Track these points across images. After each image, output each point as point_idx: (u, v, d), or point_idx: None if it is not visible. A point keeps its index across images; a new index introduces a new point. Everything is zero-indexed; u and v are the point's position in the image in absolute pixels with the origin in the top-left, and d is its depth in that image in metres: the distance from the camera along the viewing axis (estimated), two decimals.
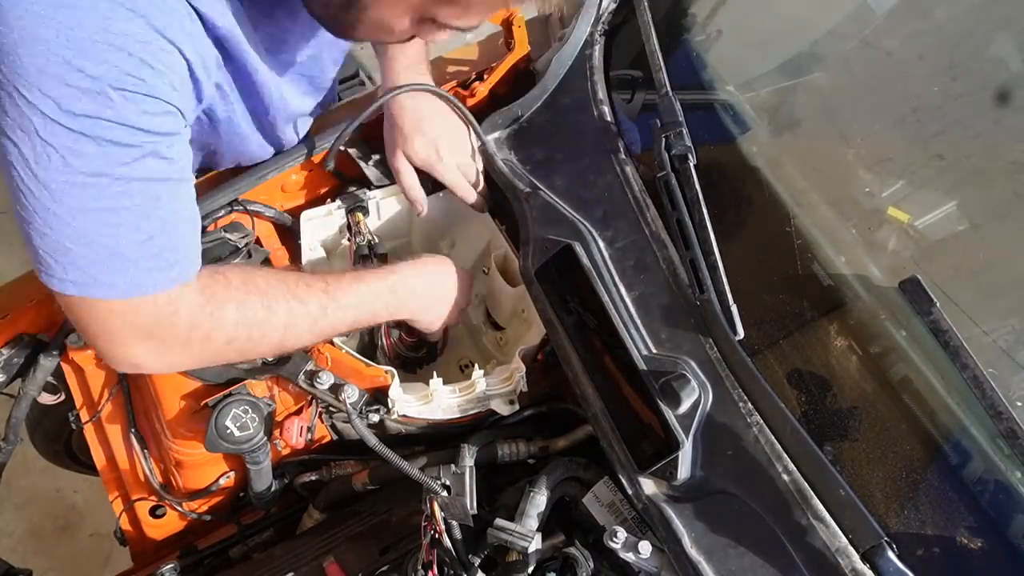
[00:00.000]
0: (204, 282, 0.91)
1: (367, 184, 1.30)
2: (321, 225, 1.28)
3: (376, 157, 1.27)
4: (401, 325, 1.26)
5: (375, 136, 1.28)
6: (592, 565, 1.00)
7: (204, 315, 0.91)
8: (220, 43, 0.87)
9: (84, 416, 1.20)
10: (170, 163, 0.83)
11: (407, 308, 1.12)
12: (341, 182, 1.32)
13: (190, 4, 0.79)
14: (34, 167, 0.76)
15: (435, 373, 1.16)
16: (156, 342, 0.89)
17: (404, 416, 1.13)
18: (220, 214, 1.20)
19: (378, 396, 1.12)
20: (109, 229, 0.80)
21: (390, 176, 1.27)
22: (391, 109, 1.20)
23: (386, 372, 1.11)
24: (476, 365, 1.18)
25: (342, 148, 1.24)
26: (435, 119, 1.20)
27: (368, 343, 1.28)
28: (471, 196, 1.25)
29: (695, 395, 0.96)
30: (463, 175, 1.23)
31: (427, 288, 1.14)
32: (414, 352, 1.28)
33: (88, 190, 0.78)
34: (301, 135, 1.24)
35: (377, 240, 1.26)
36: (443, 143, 1.20)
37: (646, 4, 1.21)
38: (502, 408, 1.15)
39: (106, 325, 0.86)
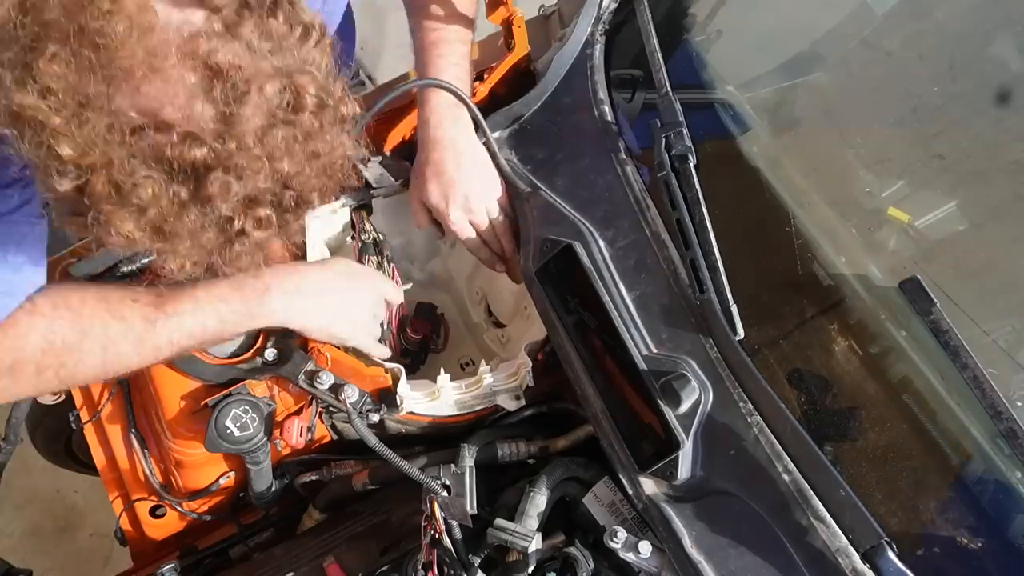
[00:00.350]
0: (7, 319, 0.85)
1: (368, 183, 1.30)
2: (326, 223, 1.28)
3: (377, 159, 1.26)
4: (406, 322, 1.26)
5: (377, 137, 1.28)
6: (592, 565, 1.00)
7: (3, 349, 0.85)
8: None
9: (84, 416, 1.20)
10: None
11: (269, 314, 1.00)
12: None
13: None
14: None
15: (442, 370, 1.16)
16: None
17: (410, 414, 1.13)
18: None
19: (383, 395, 1.12)
20: None
21: (390, 178, 1.26)
22: (426, 142, 1.14)
23: (388, 371, 1.11)
24: (483, 362, 1.18)
25: None
26: (463, 170, 1.13)
27: None
28: (481, 253, 1.21)
29: (695, 395, 0.96)
30: (473, 229, 1.17)
31: (304, 292, 1.02)
32: (416, 350, 1.28)
33: None
34: None
35: (383, 238, 1.26)
36: (457, 193, 1.13)
37: (646, 4, 1.21)
38: (508, 404, 1.15)
39: None
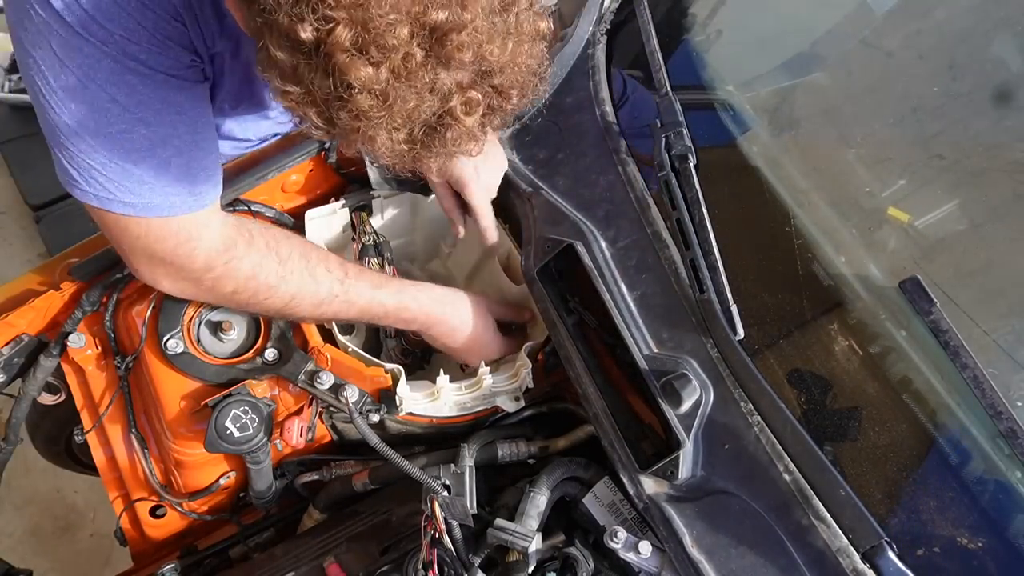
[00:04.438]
0: (229, 231, 0.97)
1: (368, 184, 1.30)
2: (325, 224, 1.28)
3: None
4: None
5: None
6: (592, 565, 1.00)
7: (219, 262, 0.96)
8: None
9: (87, 424, 1.20)
10: (188, 94, 0.86)
11: (406, 326, 1.15)
12: (342, 182, 1.32)
13: None
14: (54, 84, 0.78)
15: (441, 371, 1.16)
16: (172, 269, 0.96)
17: (410, 415, 1.13)
18: None
19: (383, 396, 1.12)
20: (125, 152, 0.83)
21: (392, 177, 1.26)
22: None
23: (388, 371, 1.11)
24: (483, 363, 1.18)
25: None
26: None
27: (372, 340, 1.28)
28: (491, 230, 1.22)
29: (696, 394, 0.96)
30: (489, 195, 1.20)
31: (439, 319, 1.14)
32: (418, 351, 1.28)
33: (105, 114, 0.80)
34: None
35: (383, 239, 1.26)
36: (482, 163, 1.16)
37: (646, 4, 1.21)
38: (508, 405, 1.15)
39: (127, 240, 0.92)
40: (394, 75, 0.66)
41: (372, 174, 1.25)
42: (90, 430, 1.19)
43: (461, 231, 1.23)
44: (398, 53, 0.65)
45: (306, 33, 0.64)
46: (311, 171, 1.28)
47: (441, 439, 1.19)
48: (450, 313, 1.14)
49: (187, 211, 0.90)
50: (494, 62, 0.70)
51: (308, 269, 1.02)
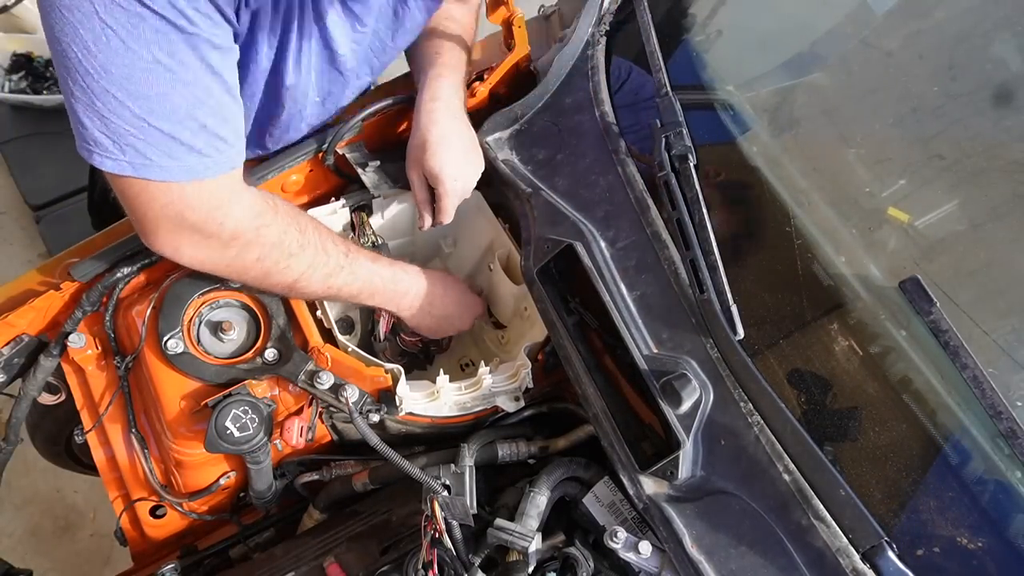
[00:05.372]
0: (257, 201, 1.01)
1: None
2: (325, 224, 1.28)
3: (375, 163, 1.26)
4: (401, 325, 1.26)
5: (376, 139, 1.28)
6: (592, 565, 1.00)
7: (250, 228, 0.99)
8: None
9: (87, 424, 1.20)
10: (223, 55, 0.88)
11: (399, 305, 1.19)
12: (341, 182, 1.32)
13: None
14: (93, 48, 0.79)
15: (441, 371, 1.16)
16: (200, 236, 0.97)
17: (410, 415, 1.13)
18: None
19: (383, 396, 1.12)
20: (164, 114, 0.84)
21: (387, 183, 1.26)
22: (421, 120, 1.18)
23: (387, 372, 1.11)
24: (483, 363, 1.18)
25: (339, 151, 1.24)
26: (458, 138, 1.19)
27: (368, 340, 1.28)
28: (446, 223, 1.24)
29: (696, 395, 0.96)
30: (460, 196, 1.21)
31: (428, 298, 1.21)
32: (414, 352, 1.28)
33: (147, 75, 0.81)
34: (324, 113, 1.23)
35: (382, 240, 1.26)
36: (461, 162, 1.19)
37: (646, 4, 1.21)
38: (507, 405, 1.15)
39: (154, 208, 0.92)
40: None
41: (367, 180, 1.25)
42: (90, 430, 1.19)
43: (427, 224, 1.24)
44: None
45: None
46: (311, 171, 1.28)
47: (441, 439, 1.19)
48: (438, 282, 1.23)
49: (222, 171, 0.93)
50: None
51: (320, 241, 1.07)
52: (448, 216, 1.21)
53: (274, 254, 1.03)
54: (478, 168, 1.21)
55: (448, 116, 1.18)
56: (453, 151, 1.17)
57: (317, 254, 1.07)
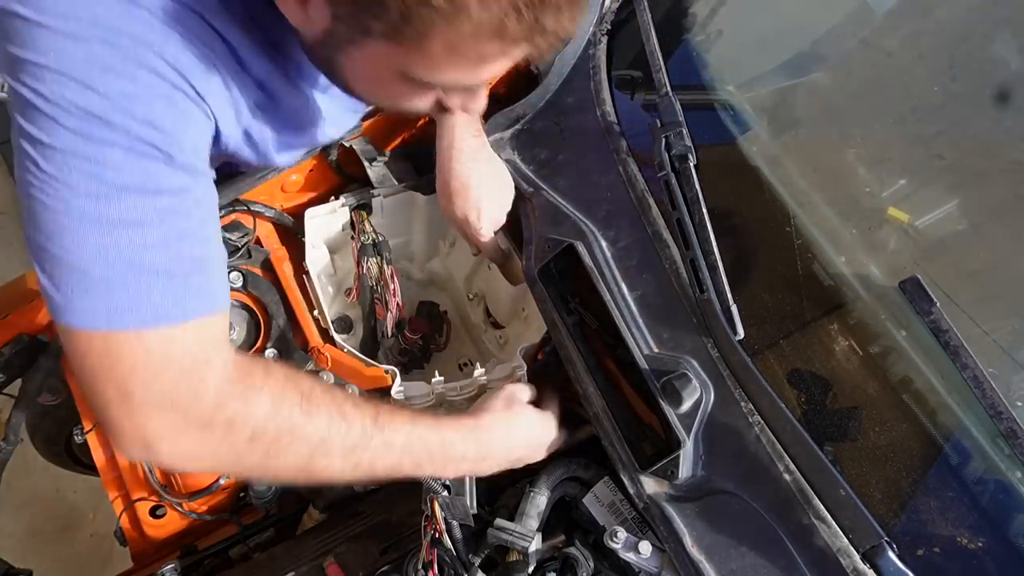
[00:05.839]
0: (242, 364, 0.81)
1: (368, 183, 1.30)
2: (325, 223, 1.28)
3: (383, 158, 1.26)
4: (403, 324, 1.26)
5: (380, 137, 1.28)
6: (592, 565, 1.00)
7: (233, 394, 0.78)
8: (261, 85, 0.84)
9: (87, 424, 1.20)
10: (203, 180, 0.78)
11: (457, 470, 1.00)
12: (342, 181, 1.32)
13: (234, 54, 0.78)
14: (58, 180, 0.70)
15: (436, 372, 1.16)
16: (175, 415, 0.76)
17: None
18: (220, 214, 1.20)
19: (383, 395, 1.12)
20: (136, 248, 0.72)
21: (392, 180, 1.26)
22: (441, 167, 1.15)
23: (387, 372, 1.11)
24: (478, 364, 1.18)
25: (347, 144, 1.24)
26: (477, 179, 1.15)
27: (369, 339, 1.28)
28: (494, 254, 1.24)
29: (697, 394, 0.96)
30: (492, 228, 1.19)
31: (490, 458, 1.02)
32: (415, 350, 1.28)
33: (115, 203, 0.71)
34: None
35: (382, 239, 1.26)
36: (484, 206, 1.16)
37: (646, 4, 1.21)
38: None
39: (118, 374, 0.73)
40: None
41: (372, 174, 1.25)
42: (90, 430, 1.19)
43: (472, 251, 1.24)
44: None
45: None
46: (311, 170, 1.28)
47: None
48: (499, 427, 1.02)
49: (199, 313, 0.76)
50: None
51: (335, 404, 0.85)
52: (484, 243, 1.21)
53: (271, 429, 0.80)
54: (504, 199, 1.19)
55: (465, 159, 1.14)
56: (472, 196, 1.15)
57: (332, 422, 0.84)
